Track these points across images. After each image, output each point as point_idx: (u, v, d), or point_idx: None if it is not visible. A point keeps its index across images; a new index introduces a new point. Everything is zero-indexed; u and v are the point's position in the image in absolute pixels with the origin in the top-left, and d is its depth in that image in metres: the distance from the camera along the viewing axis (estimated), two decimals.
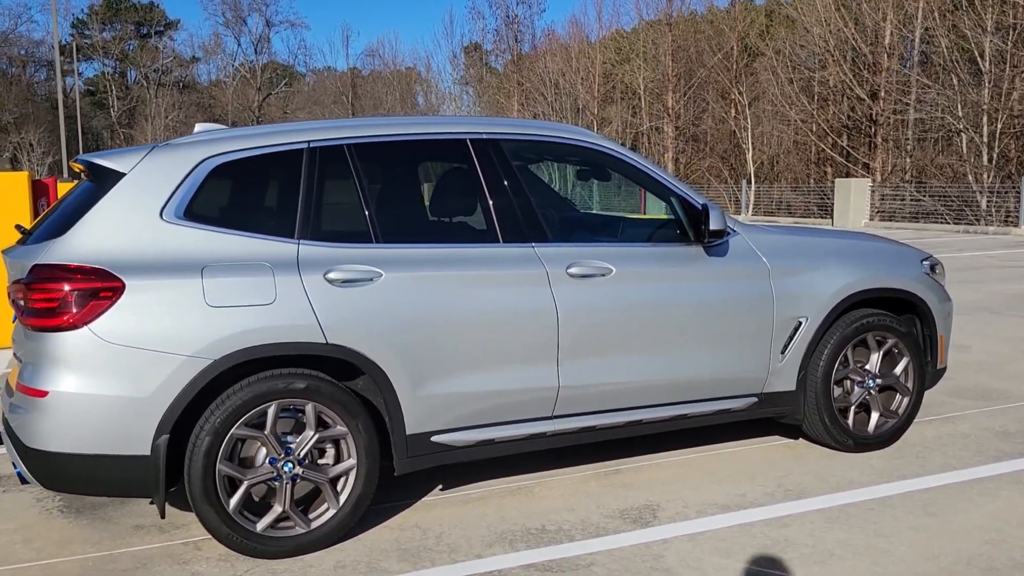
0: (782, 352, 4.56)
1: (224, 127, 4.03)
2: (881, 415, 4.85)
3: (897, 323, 4.81)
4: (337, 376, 3.73)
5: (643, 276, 4.24)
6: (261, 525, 3.58)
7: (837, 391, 4.79)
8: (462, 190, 4.17)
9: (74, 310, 3.35)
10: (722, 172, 35.89)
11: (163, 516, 3.59)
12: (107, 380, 3.36)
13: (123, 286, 3.39)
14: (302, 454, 3.62)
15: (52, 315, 3.37)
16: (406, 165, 4.18)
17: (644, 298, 4.21)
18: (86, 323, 3.35)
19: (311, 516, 3.68)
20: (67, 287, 3.36)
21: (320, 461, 3.72)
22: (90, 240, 3.46)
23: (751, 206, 31.06)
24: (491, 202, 4.06)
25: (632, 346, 4.20)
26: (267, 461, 3.59)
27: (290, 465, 3.60)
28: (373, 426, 3.73)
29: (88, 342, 3.35)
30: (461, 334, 3.85)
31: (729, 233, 4.50)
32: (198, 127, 4.11)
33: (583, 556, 3.57)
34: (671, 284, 4.29)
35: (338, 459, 3.73)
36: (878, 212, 25.64)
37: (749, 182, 31.80)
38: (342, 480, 3.73)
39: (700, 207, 4.31)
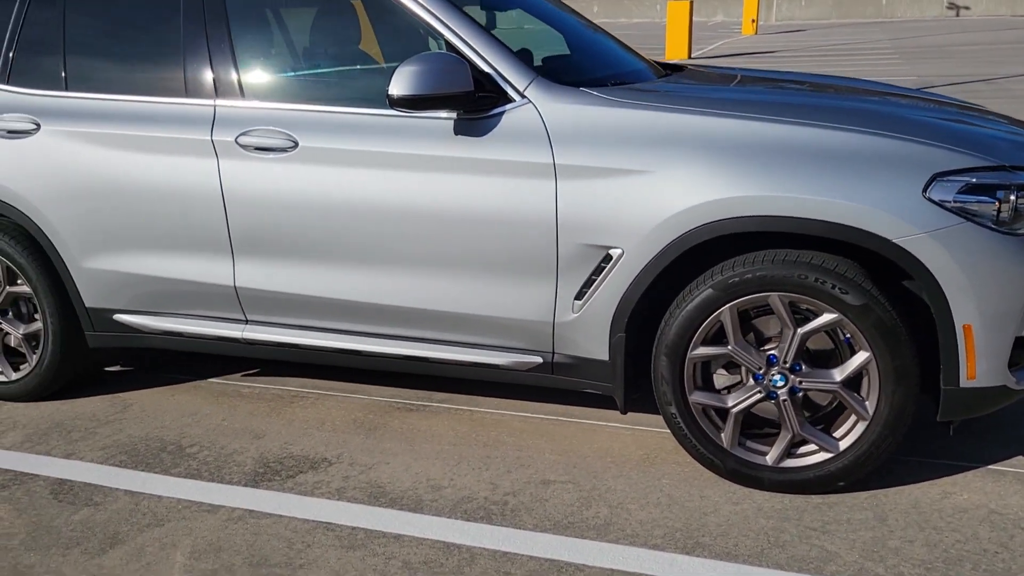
0: (577, 298, 2.85)
1: None
2: (795, 439, 2.75)
3: (841, 287, 2.57)
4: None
5: (338, 157, 2.99)
6: None
7: (720, 376, 2.85)
8: (161, 28, 3.33)
9: None
10: None
11: None
12: None
13: None
14: None
15: None
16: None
17: (339, 187, 3.00)
18: None
19: None
20: None
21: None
22: None
23: None
24: (184, 40, 3.24)
25: (328, 250, 3.08)
26: None
27: None
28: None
29: None
30: (124, 205, 3.30)
31: (515, 99, 2.85)
32: None
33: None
34: (382, 171, 2.95)
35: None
36: None
37: None
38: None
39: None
